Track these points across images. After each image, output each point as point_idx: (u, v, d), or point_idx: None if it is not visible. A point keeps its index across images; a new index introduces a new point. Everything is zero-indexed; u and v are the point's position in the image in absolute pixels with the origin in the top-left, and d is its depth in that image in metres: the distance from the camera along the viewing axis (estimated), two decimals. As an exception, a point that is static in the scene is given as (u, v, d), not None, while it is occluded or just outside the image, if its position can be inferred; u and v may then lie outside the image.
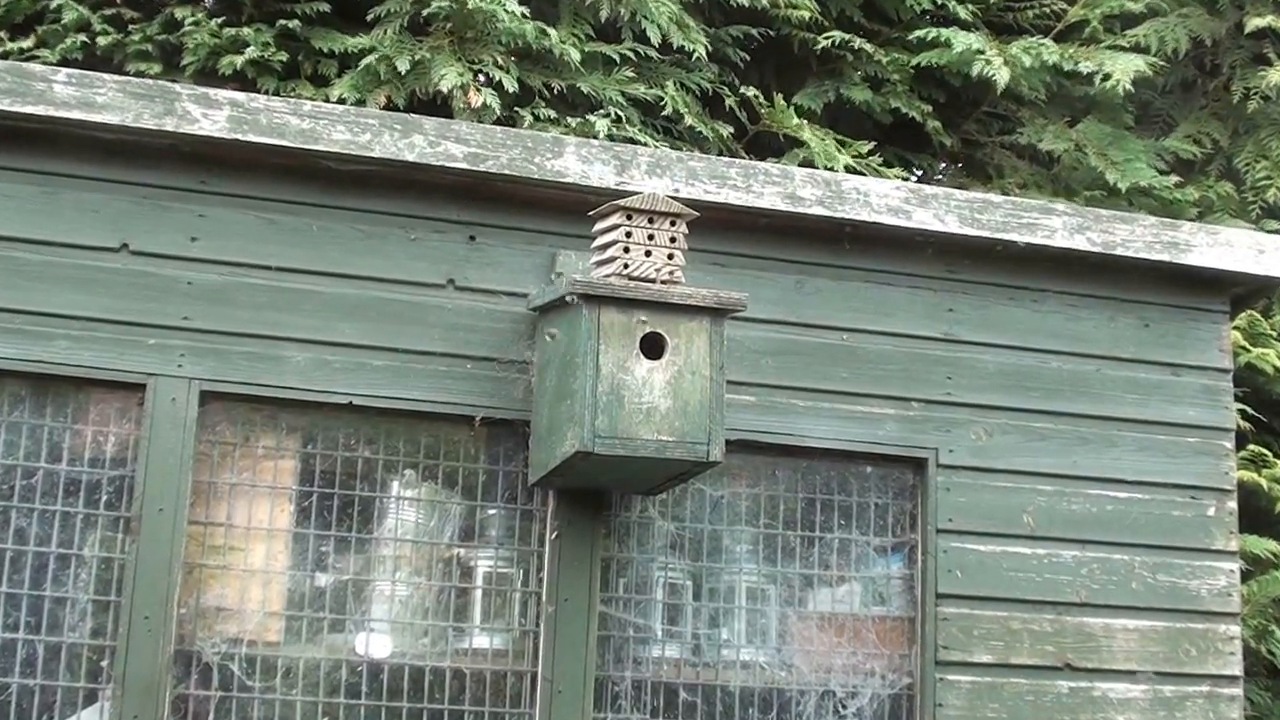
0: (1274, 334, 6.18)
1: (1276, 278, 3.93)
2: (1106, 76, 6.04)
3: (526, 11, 5.41)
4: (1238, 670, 3.77)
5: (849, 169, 5.69)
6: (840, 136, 6.01)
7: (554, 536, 3.44)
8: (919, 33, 6.15)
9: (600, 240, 3.28)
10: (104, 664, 3.19)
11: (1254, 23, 6.42)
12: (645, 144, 5.31)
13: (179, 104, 3.33)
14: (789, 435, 3.61)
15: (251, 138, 3.35)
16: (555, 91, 5.57)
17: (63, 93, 3.28)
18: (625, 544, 3.53)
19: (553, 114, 5.45)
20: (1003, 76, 5.90)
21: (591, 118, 5.43)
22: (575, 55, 5.48)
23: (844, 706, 3.59)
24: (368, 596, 3.40)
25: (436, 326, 3.47)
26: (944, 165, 6.78)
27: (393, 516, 3.45)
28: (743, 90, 5.88)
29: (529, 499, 3.48)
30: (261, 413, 3.38)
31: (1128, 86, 6.03)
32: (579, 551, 3.43)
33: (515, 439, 3.48)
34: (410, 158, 3.44)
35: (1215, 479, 3.86)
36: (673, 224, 3.24)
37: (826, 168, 5.60)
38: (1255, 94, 6.47)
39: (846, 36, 6.10)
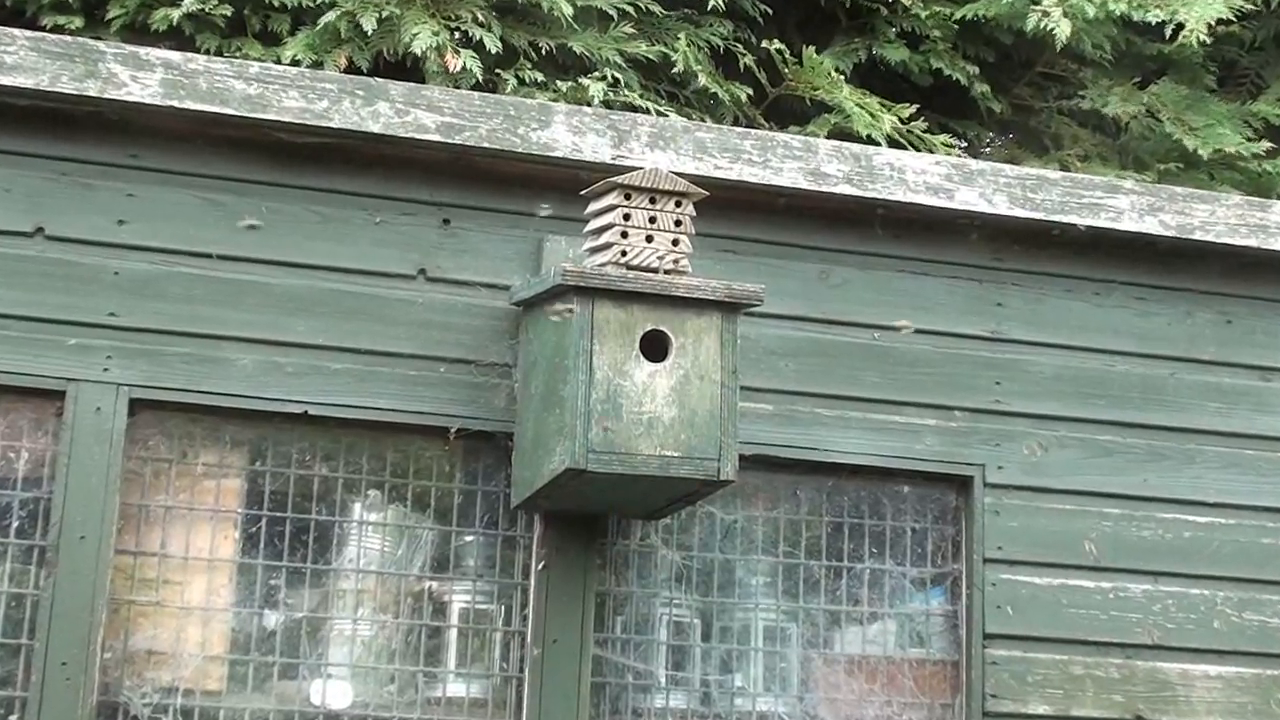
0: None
1: (1383, 266, 3.93)
2: (1179, 27, 5.99)
3: (511, -40, 5.42)
4: (1339, 724, 3.77)
5: (893, 140, 5.67)
6: (879, 99, 5.99)
7: (540, 567, 3.43)
8: (964, -21, 6.13)
9: (594, 224, 3.27)
10: (13, 718, 3.17)
11: (1366, -36, 6.38)
12: (647, 111, 5.29)
13: (103, 65, 3.32)
14: (812, 450, 3.61)
15: (189, 105, 3.34)
16: (543, 52, 5.55)
17: (-32, 53, 3.29)
18: (623, 576, 3.52)
19: (540, 77, 5.44)
20: (1063, 30, 5.85)
21: (585, 81, 5.41)
22: (567, 9, 5.47)
23: (877, 764, 3.60)
24: (325, 637, 3.39)
25: (405, 324, 3.46)
26: (992, 135, 6.76)
27: (354, 544, 3.44)
28: (764, 44, 5.86)
29: (512, 524, 3.48)
30: (201, 424, 3.37)
31: (1203, 37, 5.98)
32: (569, 585, 3.42)
33: (496, 454, 3.47)
34: (375, 129, 3.44)
35: (1313, 501, 3.86)
36: (678, 204, 3.23)
37: (867, 137, 5.58)
38: (1364, 49, 6.45)
39: None
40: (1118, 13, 6.03)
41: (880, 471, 3.65)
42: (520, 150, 3.50)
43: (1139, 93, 6.41)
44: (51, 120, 3.34)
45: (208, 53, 5.12)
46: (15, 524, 3.24)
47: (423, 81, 4.93)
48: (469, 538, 3.49)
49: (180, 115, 3.35)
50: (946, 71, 6.24)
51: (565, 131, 3.53)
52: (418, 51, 5.24)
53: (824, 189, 3.64)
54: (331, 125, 3.41)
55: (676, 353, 3.16)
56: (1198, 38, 5.93)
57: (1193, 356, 3.88)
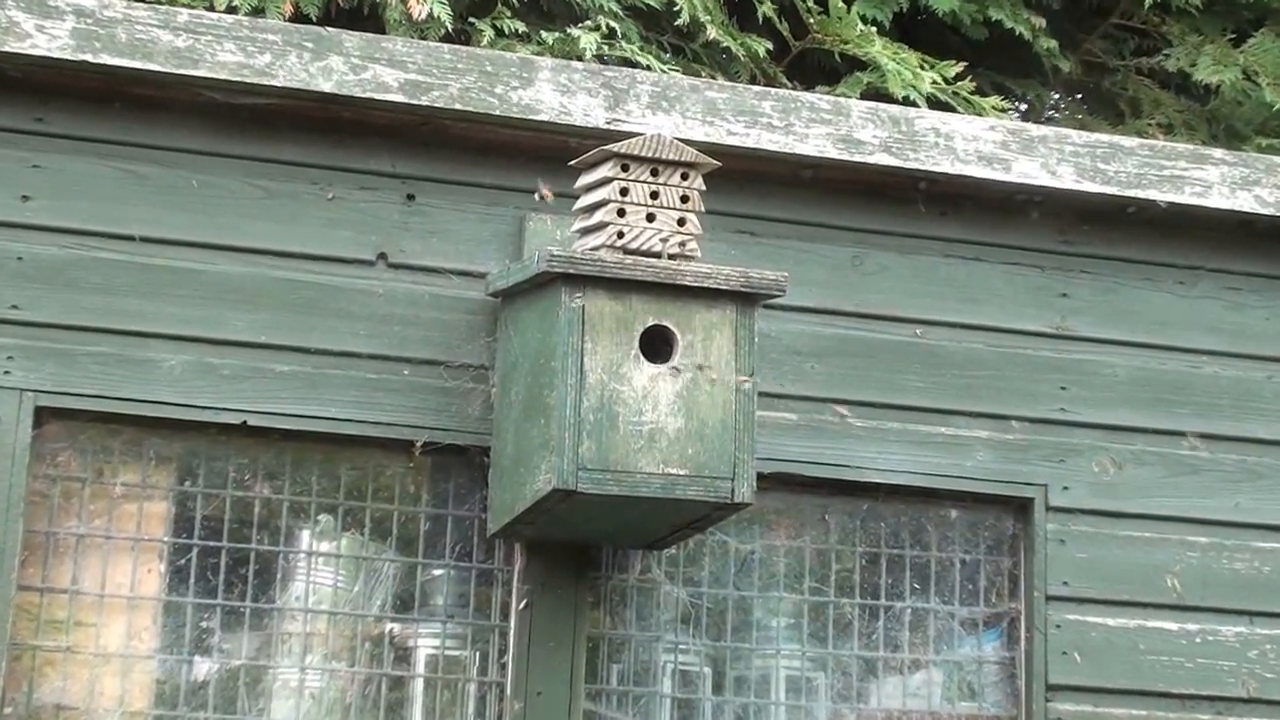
0: None
1: None
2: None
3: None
4: None
5: (935, 102, 5.67)
6: (921, 55, 5.99)
7: (522, 606, 3.43)
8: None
9: (586, 200, 3.27)
10: (-102, 784, 3.19)
11: None
12: (648, 68, 5.30)
13: (3, 12, 3.31)
14: (844, 467, 3.61)
15: (106, 59, 3.34)
16: (525, -3, 5.57)
17: None
18: (620, 617, 3.53)
19: (521, 27, 5.45)
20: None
21: (575, 32, 5.42)
22: (553, -54, 5.48)
23: (921, 840, 3.60)
24: (267, 689, 3.39)
25: (362, 318, 3.47)
26: (1057, 97, 6.76)
27: (302, 579, 3.44)
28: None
29: (488, 555, 3.48)
30: (121, 437, 3.37)
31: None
32: (556, 627, 3.43)
33: (470, 472, 3.48)
34: (326, 87, 3.44)
35: None
36: (684, 177, 3.24)
37: (904, 99, 5.58)
38: None
39: None
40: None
41: (924, 493, 3.66)
42: (498, 113, 3.50)
43: (1234, 52, 6.39)
44: (-57, 78, 3.35)
45: (128, -1, 5.13)
46: (-101, 555, 3.26)
47: (382, 32, 4.94)
48: (438, 571, 3.49)
49: (95, 72, 3.35)
50: (1006, 24, 6.24)
51: (551, 91, 3.53)
52: (376, -5, 5.26)
53: (857, 159, 3.65)
54: (275, 84, 3.41)
55: (683, 352, 3.16)
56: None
57: (1294, 357, 3.89)
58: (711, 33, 5.72)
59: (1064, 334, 3.78)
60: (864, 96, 5.45)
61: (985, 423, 3.69)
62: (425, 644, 3.47)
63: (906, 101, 5.48)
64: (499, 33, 5.40)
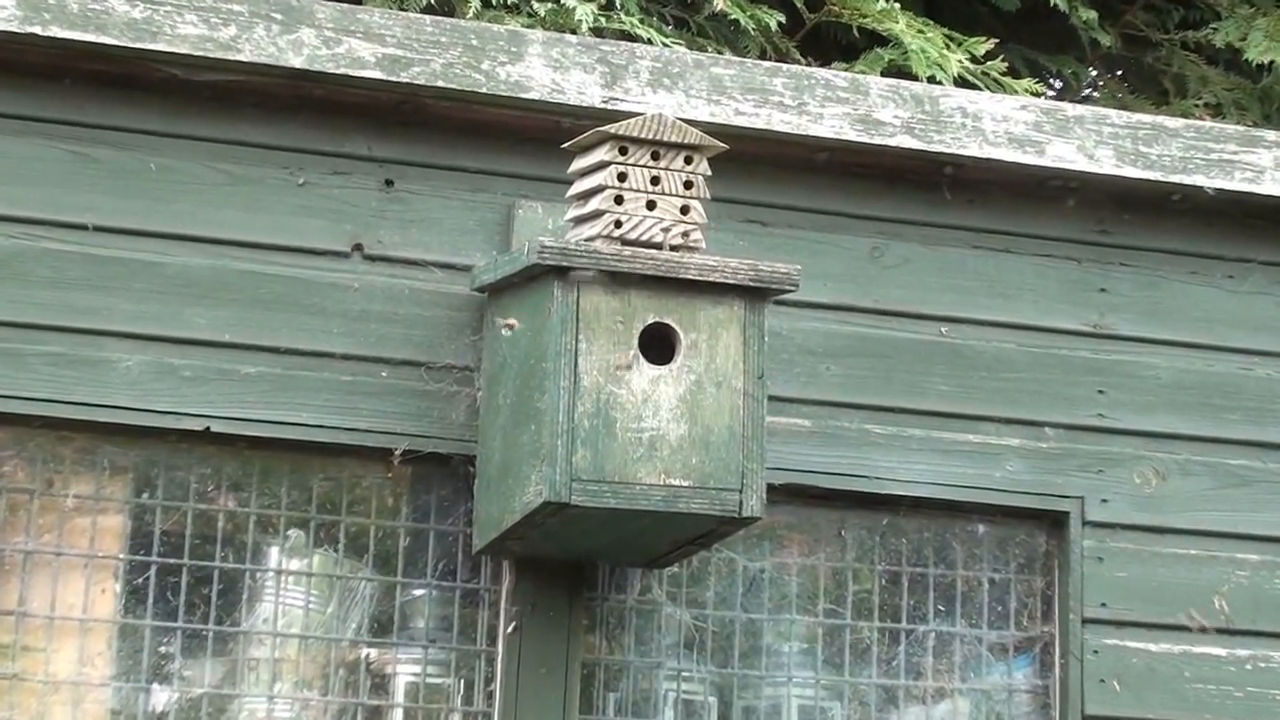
0: None
1: None
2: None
3: None
4: None
5: (963, 83, 5.68)
6: (946, 31, 5.99)
7: (511, 630, 3.43)
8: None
9: (581, 186, 3.27)
10: None
11: None
12: (649, 42, 5.30)
13: (-57, -19, 3.32)
14: (862, 477, 3.61)
15: (55, 32, 3.33)
16: (516, -35, 5.58)
17: None
18: (617, 641, 3.52)
19: (511, -3, 5.47)
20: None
21: (569, 2, 5.42)
22: (546, -91, 5.49)
23: None
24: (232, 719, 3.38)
25: (336, 315, 3.47)
26: (1095, 74, 6.76)
27: (270, 600, 3.44)
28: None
29: (473, 574, 3.48)
30: (72, 444, 3.37)
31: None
32: (548, 652, 3.42)
33: (453, 483, 3.48)
34: (296, 63, 3.44)
35: None
36: (688, 161, 3.23)
37: (929, 78, 5.58)
38: None
39: None
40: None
41: (949, 506, 3.66)
42: (484, 91, 3.50)
43: (1288, 23, 6.40)
44: (-124, 52, 3.35)
45: (83, -33, 5.13)
46: None
47: (358, 2, 4.94)
48: (418, 591, 3.49)
49: (44, 46, 3.34)
50: (1041, -8, 6.25)
51: (543, 67, 3.52)
52: (354, -36, 5.25)
53: (877, 141, 3.65)
54: (240, 59, 3.41)
55: (687, 352, 3.16)
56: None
57: (1356, 358, 3.89)
58: (719, 4, 5.73)
59: (1102, 333, 3.78)
60: (885, 75, 5.45)
61: (1016, 430, 3.69)
62: (405, 671, 3.47)
63: (932, 82, 5.48)
64: (486, 3, 5.41)
